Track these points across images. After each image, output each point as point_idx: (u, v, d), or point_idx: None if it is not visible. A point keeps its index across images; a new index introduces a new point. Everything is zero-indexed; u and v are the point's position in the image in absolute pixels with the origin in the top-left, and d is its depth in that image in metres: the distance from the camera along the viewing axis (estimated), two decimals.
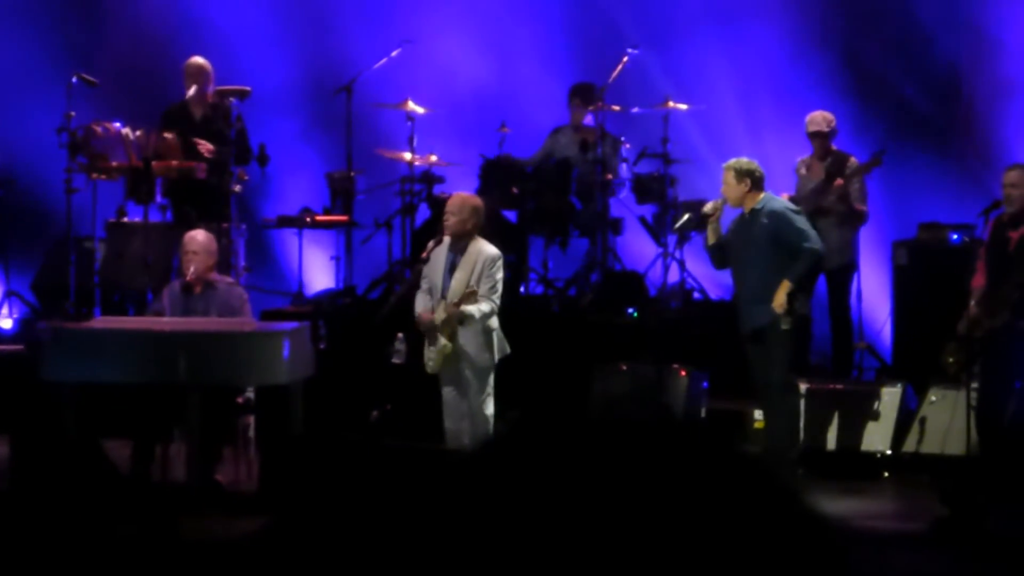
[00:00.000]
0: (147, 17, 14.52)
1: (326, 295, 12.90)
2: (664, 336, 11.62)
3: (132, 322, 10.46)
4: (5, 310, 12.92)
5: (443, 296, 9.56)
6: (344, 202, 12.81)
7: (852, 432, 10.94)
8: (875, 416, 10.97)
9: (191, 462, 9.37)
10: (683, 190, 12.70)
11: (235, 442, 9.96)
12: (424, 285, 9.72)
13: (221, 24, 14.31)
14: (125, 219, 12.22)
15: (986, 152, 13.19)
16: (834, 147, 11.93)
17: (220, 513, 8.90)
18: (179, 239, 10.49)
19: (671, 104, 12.61)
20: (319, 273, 13.61)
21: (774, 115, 13.44)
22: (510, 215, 12.76)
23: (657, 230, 12.69)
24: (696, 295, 12.66)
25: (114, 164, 11.94)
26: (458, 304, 9.42)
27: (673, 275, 12.45)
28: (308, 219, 12.88)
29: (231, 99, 12.19)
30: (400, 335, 10.45)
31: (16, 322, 12.82)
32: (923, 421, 10.83)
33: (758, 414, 10.68)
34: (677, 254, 12.47)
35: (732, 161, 10.01)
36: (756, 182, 9.94)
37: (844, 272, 11.77)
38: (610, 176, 12.72)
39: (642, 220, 12.89)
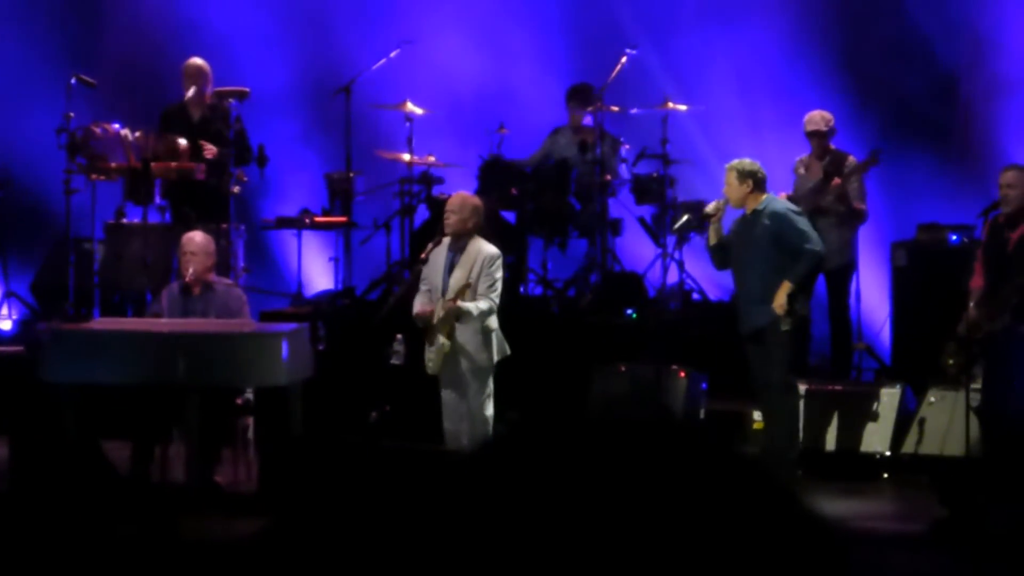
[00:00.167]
0: (146, 18, 14.52)
1: (325, 296, 12.89)
2: (663, 337, 11.61)
3: (131, 323, 10.46)
4: (4, 311, 12.91)
5: (443, 296, 9.55)
6: (343, 203, 12.81)
7: (851, 433, 10.94)
8: (874, 417, 10.96)
9: (190, 463, 9.38)
10: (682, 191, 12.68)
11: (234, 443, 9.96)
12: (423, 286, 9.71)
13: (220, 25, 14.30)
14: (124, 220, 12.21)
15: (984, 153, 13.19)
16: (832, 146, 11.93)
17: (219, 514, 8.89)
18: (178, 240, 10.49)
19: (670, 104, 12.60)
20: (318, 274, 13.60)
21: (773, 115, 13.42)
22: (509, 216, 12.75)
23: (656, 231, 12.67)
24: (695, 296, 12.65)
25: (113, 165, 11.93)
26: (454, 299, 9.42)
27: (672, 276, 12.44)
28: (307, 220, 12.88)
29: (230, 100, 12.18)
30: (399, 336, 10.44)
31: (15, 323, 12.81)
32: (922, 422, 10.81)
33: (757, 415, 10.68)
34: (676, 255, 12.45)
35: (735, 162, 10.01)
36: (758, 183, 9.95)
37: (843, 272, 11.75)
38: (609, 177, 12.71)
39: (641, 221, 12.87)
